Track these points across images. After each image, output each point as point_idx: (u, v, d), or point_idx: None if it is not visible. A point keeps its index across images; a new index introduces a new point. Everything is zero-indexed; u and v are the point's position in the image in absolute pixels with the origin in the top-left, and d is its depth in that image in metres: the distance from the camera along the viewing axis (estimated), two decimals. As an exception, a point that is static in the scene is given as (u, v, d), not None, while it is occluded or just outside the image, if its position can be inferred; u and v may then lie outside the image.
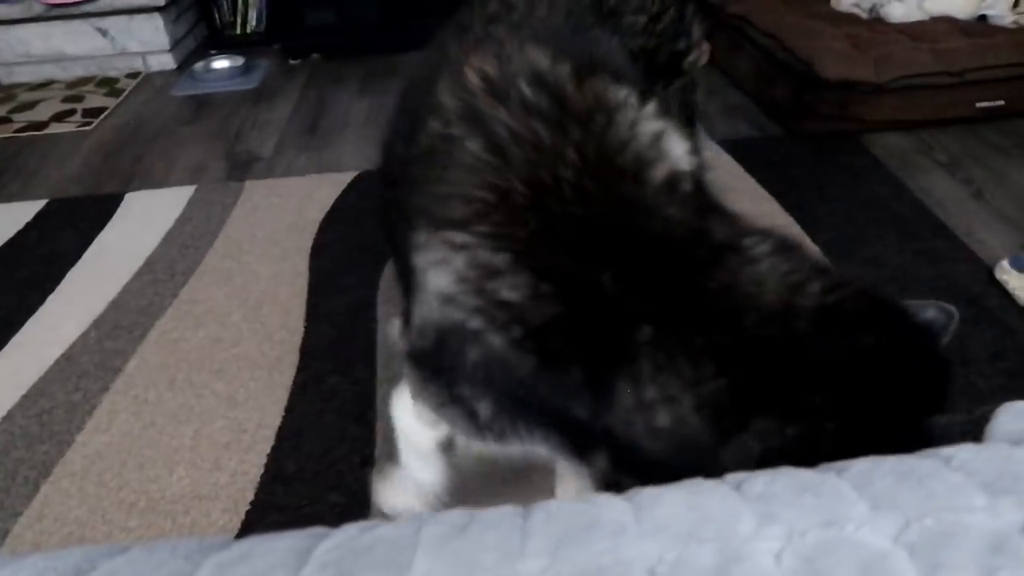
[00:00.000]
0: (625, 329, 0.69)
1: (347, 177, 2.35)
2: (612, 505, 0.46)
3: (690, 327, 0.68)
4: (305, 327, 1.72)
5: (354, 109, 2.91)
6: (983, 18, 2.69)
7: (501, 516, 0.46)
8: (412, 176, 0.86)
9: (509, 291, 0.73)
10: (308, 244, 2.02)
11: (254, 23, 3.66)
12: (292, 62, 3.43)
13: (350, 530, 0.46)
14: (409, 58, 3.33)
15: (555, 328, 0.72)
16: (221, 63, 3.30)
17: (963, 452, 0.48)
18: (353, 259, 1.94)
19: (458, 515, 0.47)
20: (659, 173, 0.76)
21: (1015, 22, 2.63)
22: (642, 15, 1.16)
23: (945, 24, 2.71)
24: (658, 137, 0.78)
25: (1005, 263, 1.70)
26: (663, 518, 0.44)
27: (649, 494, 0.47)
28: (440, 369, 0.83)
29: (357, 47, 3.43)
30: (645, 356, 0.68)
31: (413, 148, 0.86)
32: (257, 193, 2.31)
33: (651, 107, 0.81)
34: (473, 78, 0.82)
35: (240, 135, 2.75)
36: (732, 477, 0.49)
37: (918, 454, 0.50)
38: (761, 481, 0.47)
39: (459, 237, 0.76)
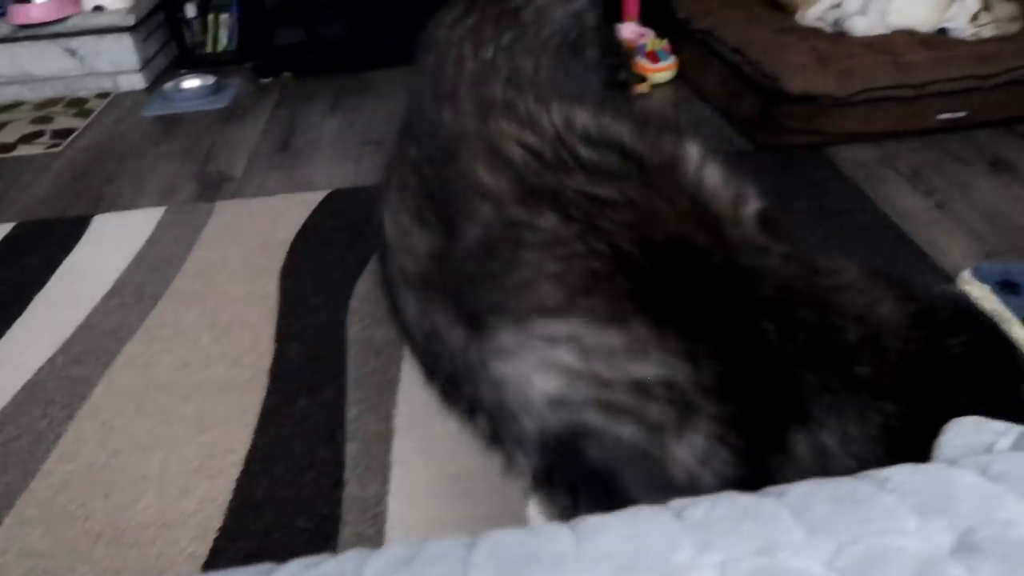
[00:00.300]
0: (788, 376, 0.65)
1: (319, 196, 2.34)
2: (555, 536, 0.46)
3: (842, 362, 0.65)
4: (275, 349, 1.71)
5: (326, 127, 2.91)
6: (943, 31, 2.75)
7: (446, 548, 0.46)
8: (467, 273, 0.76)
9: (646, 367, 0.66)
10: (279, 264, 2.01)
11: (225, 42, 3.65)
12: (263, 81, 3.42)
13: (294, 566, 0.46)
14: (380, 75, 3.35)
15: (718, 391, 0.65)
16: (191, 82, 3.28)
17: (899, 474, 0.49)
18: (324, 279, 1.93)
19: (403, 548, 0.47)
20: (750, 210, 0.74)
21: (975, 35, 2.69)
22: (598, 49, 1.18)
23: (907, 37, 2.76)
24: (721, 175, 0.77)
25: (967, 273, 1.72)
26: (603, 548, 0.44)
27: (592, 523, 0.47)
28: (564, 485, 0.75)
29: (328, 65, 3.44)
30: (815, 399, 0.64)
31: (458, 241, 0.77)
32: (228, 213, 2.30)
33: (694, 147, 0.80)
34: (515, 150, 0.78)
35: (211, 155, 2.74)
36: (676, 503, 0.49)
37: (857, 476, 0.51)
38: (702, 507, 0.47)
39: (560, 327, 0.68)
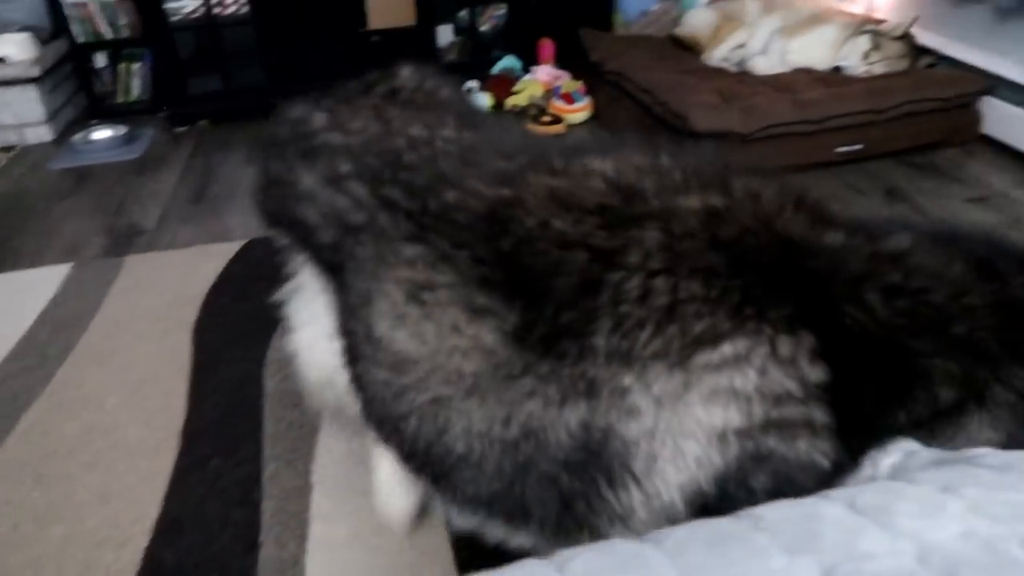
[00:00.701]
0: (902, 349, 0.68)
1: (235, 246, 2.30)
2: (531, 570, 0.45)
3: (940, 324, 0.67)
4: (187, 407, 1.65)
5: (243, 176, 2.86)
6: (838, 69, 2.90)
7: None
8: (582, 331, 0.72)
9: (816, 371, 0.66)
10: (192, 319, 1.96)
11: (137, 91, 3.58)
12: (178, 129, 3.37)
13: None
14: (298, 123, 3.33)
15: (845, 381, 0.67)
16: (102, 133, 3.20)
17: (773, 511, 0.51)
18: (240, 331, 1.89)
19: None
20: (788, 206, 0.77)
21: (867, 72, 2.85)
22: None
23: (805, 75, 2.91)
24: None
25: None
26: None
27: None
28: None
29: (245, 112, 3.41)
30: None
31: (545, 306, 0.74)
32: (139, 268, 2.23)
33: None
34: (573, 198, 0.79)
35: (122, 208, 2.67)
36: (558, 556, 0.49)
37: (736, 515, 0.52)
38: (581, 560, 0.48)
39: (727, 349, 0.67)
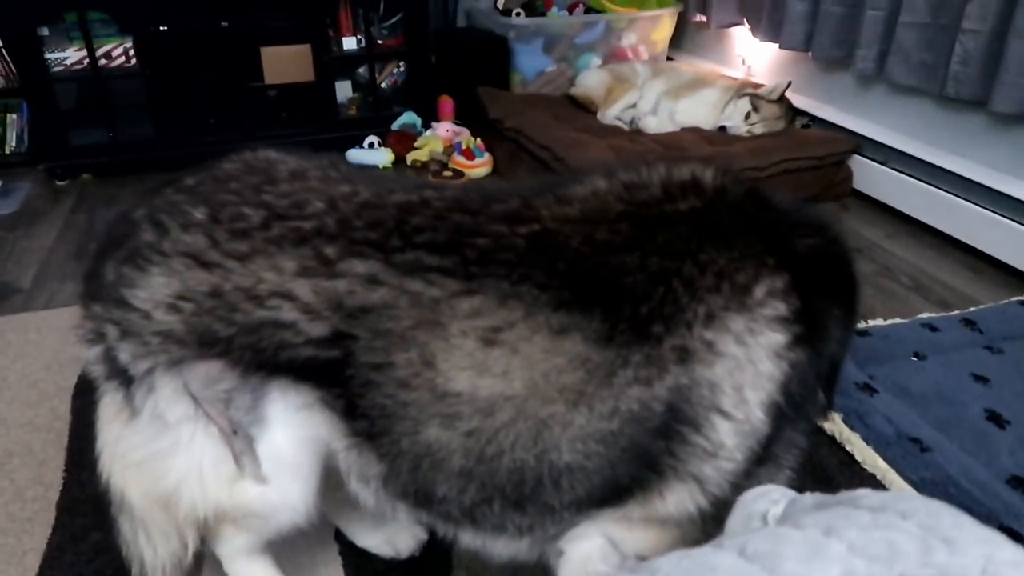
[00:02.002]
0: None
1: (119, 305, 2.19)
2: None
3: None
4: (64, 479, 1.54)
5: (129, 231, 2.74)
6: (723, 129, 3.08)
7: None
8: (666, 312, 0.86)
9: (795, 299, 0.89)
10: (70, 383, 1.84)
11: (14, 143, 3.40)
12: (59, 183, 3.21)
13: None
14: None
15: None
16: (-28, 187, 3.01)
17: (667, 563, 0.51)
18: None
19: None
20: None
21: (748, 131, 3.04)
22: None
23: (693, 134, 3.07)
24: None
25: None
26: None
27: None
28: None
29: (133, 166, 3.28)
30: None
31: (636, 291, 0.88)
32: (11, 330, 2.09)
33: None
34: (614, 209, 0.93)
35: (-7, 265, 2.50)
36: None
37: (634, 569, 0.52)
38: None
39: (760, 289, 0.88)
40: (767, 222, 0.93)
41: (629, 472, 0.88)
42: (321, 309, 0.89)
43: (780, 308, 0.87)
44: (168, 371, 0.96)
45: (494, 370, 0.86)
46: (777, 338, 0.86)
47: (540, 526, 0.95)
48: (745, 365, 0.85)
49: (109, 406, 1.05)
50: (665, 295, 0.86)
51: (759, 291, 0.87)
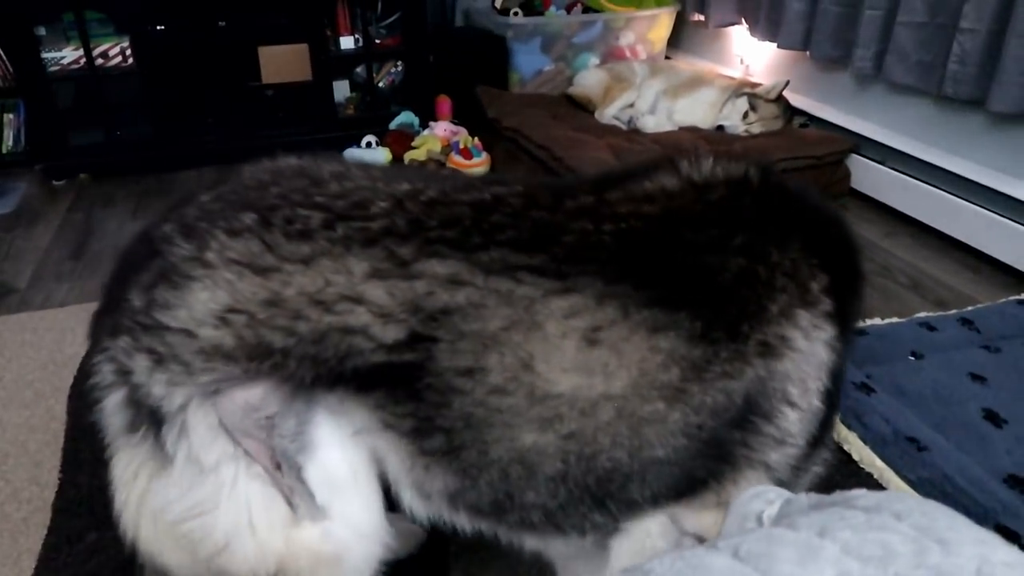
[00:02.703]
0: None
1: (116, 305, 2.18)
2: None
3: None
4: (60, 479, 1.53)
5: (126, 232, 2.74)
6: (721, 128, 3.08)
7: None
8: (751, 311, 0.90)
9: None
10: (67, 384, 1.83)
11: (11, 143, 3.39)
12: (56, 183, 3.20)
13: None
14: (187, 176, 3.24)
15: None
16: (-31, 187, 3.01)
17: (661, 565, 0.51)
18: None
19: None
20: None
21: (746, 131, 3.03)
22: None
23: (690, 134, 3.07)
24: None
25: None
26: None
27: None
28: None
29: (130, 166, 3.28)
30: None
31: (725, 289, 0.91)
32: (7, 330, 2.08)
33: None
34: (692, 210, 0.96)
35: (-11, 265, 2.50)
36: None
37: (625, 570, 0.52)
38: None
39: (815, 285, 0.93)
40: (807, 221, 0.99)
41: (707, 464, 0.91)
42: (396, 312, 0.85)
43: (829, 304, 0.93)
44: (203, 404, 0.87)
45: (596, 370, 0.86)
46: (830, 331, 0.92)
47: (617, 521, 0.96)
48: (809, 357, 0.91)
49: (128, 463, 0.92)
50: (749, 294, 0.90)
51: (815, 288, 0.93)
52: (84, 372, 1.86)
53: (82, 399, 1.78)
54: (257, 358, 0.85)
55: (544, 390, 0.86)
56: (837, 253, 0.98)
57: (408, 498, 0.96)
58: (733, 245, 0.92)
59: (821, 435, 0.96)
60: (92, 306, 2.23)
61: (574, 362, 0.86)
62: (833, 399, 0.95)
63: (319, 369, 0.86)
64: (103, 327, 0.92)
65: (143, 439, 0.88)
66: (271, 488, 0.90)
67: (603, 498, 0.91)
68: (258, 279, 0.85)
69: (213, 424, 0.87)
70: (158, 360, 0.86)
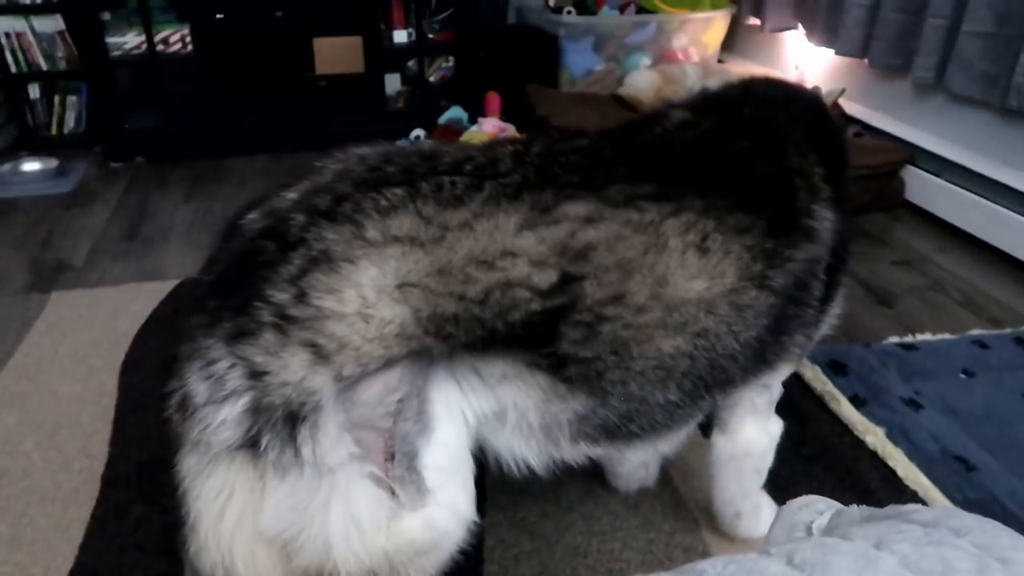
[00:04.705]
0: None
1: (167, 286, 2.24)
2: None
3: None
4: (110, 452, 1.58)
5: (179, 215, 2.81)
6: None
7: None
8: (798, 221, 1.08)
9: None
10: (119, 360, 1.88)
11: (72, 124, 3.49)
12: (114, 165, 3.29)
13: None
14: (240, 162, 3.30)
15: None
16: (31, 165, 3.10)
17: (714, 567, 0.51)
18: (168, 374, 1.82)
19: None
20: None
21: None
22: None
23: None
24: None
25: (800, 355, 1.86)
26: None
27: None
28: None
29: (185, 150, 3.36)
30: None
31: (778, 203, 1.08)
32: (63, 305, 2.15)
33: None
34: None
35: (48, 242, 2.57)
36: None
37: (679, 570, 0.52)
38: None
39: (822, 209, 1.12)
40: (800, 119, 1.16)
41: (775, 336, 1.09)
42: (548, 257, 0.90)
43: (828, 191, 1.11)
44: (337, 400, 0.83)
45: (713, 272, 0.98)
46: (832, 214, 1.10)
47: (717, 403, 1.16)
48: (827, 239, 1.09)
49: (226, 480, 0.85)
50: (797, 192, 1.08)
51: (817, 180, 1.10)
52: (135, 350, 1.90)
53: (132, 377, 1.83)
54: (433, 331, 0.85)
55: (679, 298, 0.96)
56: (827, 143, 1.17)
57: (518, 446, 1.01)
58: (763, 152, 1.09)
59: (829, 294, 1.18)
60: (145, 285, 2.30)
61: (697, 269, 0.97)
62: (838, 267, 1.17)
63: (481, 331, 0.87)
64: (209, 337, 0.84)
65: (265, 450, 0.82)
66: (377, 486, 0.87)
67: (713, 384, 1.04)
68: (424, 250, 0.86)
69: (340, 422, 0.84)
70: (318, 353, 0.81)
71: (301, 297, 0.82)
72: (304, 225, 0.86)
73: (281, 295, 0.82)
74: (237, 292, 0.84)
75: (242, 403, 0.81)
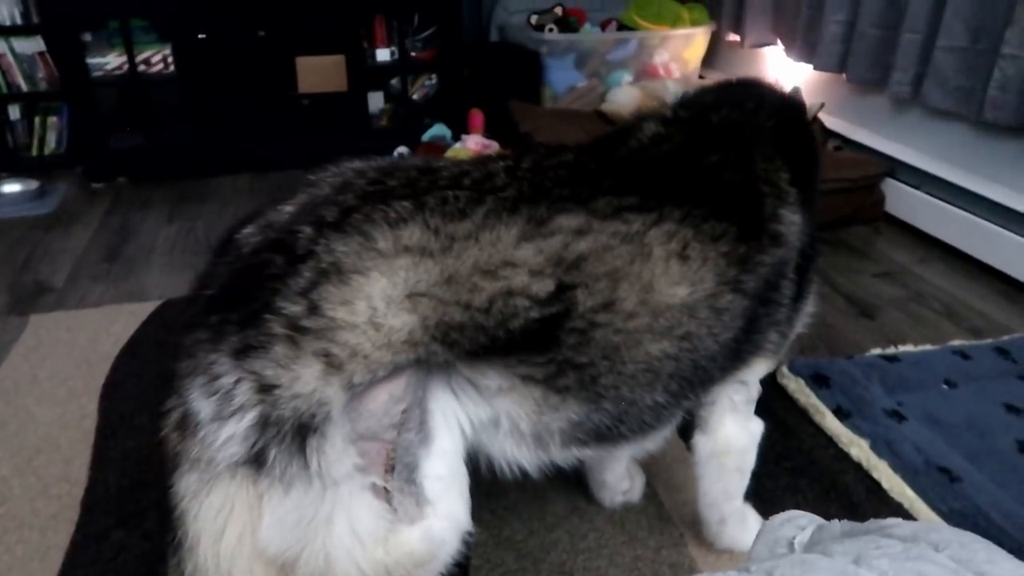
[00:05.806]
0: None
1: (149, 307, 2.22)
2: None
3: None
4: (89, 476, 1.56)
5: (162, 234, 2.79)
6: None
7: None
8: (766, 227, 1.13)
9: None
10: (99, 383, 1.86)
11: (53, 145, 3.47)
12: (95, 185, 3.27)
13: None
14: (223, 181, 3.29)
15: None
16: (11, 187, 3.08)
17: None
18: (150, 396, 1.80)
19: None
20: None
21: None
22: None
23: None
24: None
25: (785, 368, 1.86)
26: None
27: None
28: None
29: (167, 170, 3.34)
30: None
31: (744, 209, 1.13)
32: (43, 328, 2.13)
33: None
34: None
35: (28, 264, 2.55)
36: None
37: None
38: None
39: (790, 208, 1.19)
40: (767, 125, 1.21)
41: (749, 336, 1.13)
42: (545, 267, 0.92)
43: (794, 194, 1.16)
44: (343, 411, 0.83)
45: (694, 278, 1.03)
46: (799, 217, 1.16)
47: (700, 400, 1.21)
48: (795, 241, 1.15)
49: (227, 497, 0.83)
50: (764, 199, 1.13)
51: (784, 184, 1.16)
52: (116, 372, 1.88)
53: (113, 400, 1.81)
54: (440, 338, 0.87)
55: (664, 304, 1.00)
56: (794, 146, 1.22)
57: (511, 452, 1.03)
58: (732, 162, 1.13)
59: (802, 292, 1.25)
60: (127, 306, 2.28)
61: (679, 276, 1.02)
62: (806, 267, 1.22)
63: (484, 338, 0.89)
64: (213, 352, 0.83)
65: (268, 464, 0.81)
66: (377, 498, 0.87)
67: (696, 384, 1.09)
68: (434, 260, 0.87)
69: (346, 433, 0.84)
70: (331, 363, 0.81)
71: (314, 309, 0.82)
72: (312, 237, 0.86)
73: (293, 307, 0.82)
74: (243, 306, 0.83)
75: (249, 418, 0.80)
